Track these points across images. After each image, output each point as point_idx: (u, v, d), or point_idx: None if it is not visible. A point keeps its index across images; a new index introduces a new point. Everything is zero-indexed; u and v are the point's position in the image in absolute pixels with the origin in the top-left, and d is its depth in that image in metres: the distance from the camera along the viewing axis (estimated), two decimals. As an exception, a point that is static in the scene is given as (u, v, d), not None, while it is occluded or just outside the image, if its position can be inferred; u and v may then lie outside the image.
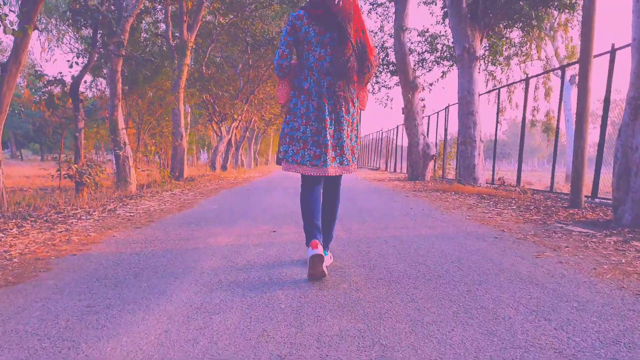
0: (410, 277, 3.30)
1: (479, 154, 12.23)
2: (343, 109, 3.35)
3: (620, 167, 5.91)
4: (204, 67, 22.54)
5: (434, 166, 19.13)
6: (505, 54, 17.60)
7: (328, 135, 3.29)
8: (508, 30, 13.95)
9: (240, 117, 25.80)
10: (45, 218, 5.96)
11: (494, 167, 14.50)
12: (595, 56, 8.47)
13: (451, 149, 19.99)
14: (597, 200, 8.79)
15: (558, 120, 10.95)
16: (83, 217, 5.99)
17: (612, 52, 8.87)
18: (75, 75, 11.92)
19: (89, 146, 20.01)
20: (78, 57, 11.80)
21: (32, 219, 5.84)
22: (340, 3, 3.21)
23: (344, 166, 3.43)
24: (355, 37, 3.28)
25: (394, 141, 29.81)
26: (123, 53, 12.63)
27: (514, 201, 9.19)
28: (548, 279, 3.27)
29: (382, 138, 35.06)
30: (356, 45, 3.29)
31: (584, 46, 8.03)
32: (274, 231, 5.10)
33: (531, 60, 30.18)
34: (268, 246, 4.34)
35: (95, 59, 12.87)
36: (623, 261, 3.86)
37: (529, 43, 22.48)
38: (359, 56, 3.32)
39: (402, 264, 3.69)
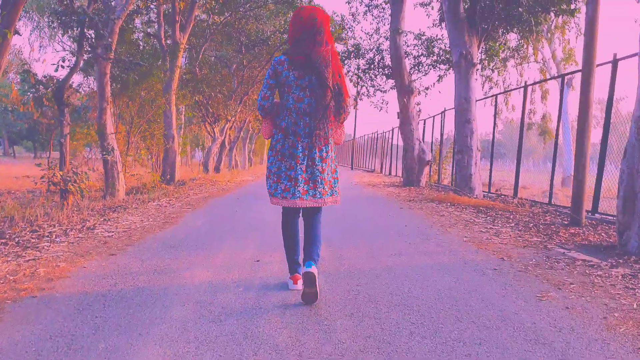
0: (403, 332, 2.97)
1: (476, 163, 11.92)
2: (317, 148, 3.60)
3: (626, 190, 5.59)
4: (197, 68, 22.16)
5: (430, 171, 18.84)
6: (502, 55, 17.35)
7: (299, 171, 3.56)
8: (505, 35, 13.63)
9: (234, 118, 25.43)
10: (17, 239, 5.61)
11: (490, 172, 14.19)
12: (598, 65, 8.15)
13: (447, 153, 19.71)
14: (597, 215, 8.49)
15: (557, 130, 10.63)
16: (57, 239, 5.64)
17: (615, 63, 8.55)
18: (60, 80, 11.57)
19: (80, 146, 19.56)
20: (64, 61, 11.37)
21: (4, 240, 5.49)
22: (319, 50, 3.51)
23: (317, 199, 3.65)
24: (332, 81, 3.55)
25: (390, 142, 29.50)
26: (111, 57, 12.25)
27: (511, 215, 8.87)
28: (555, 335, 2.94)
29: (377, 139, 34.75)
30: (333, 88, 3.57)
31: (587, 58, 7.71)
32: (258, 260, 4.76)
33: (527, 62, 29.95)
34: (248, 284, 4.00)
35: (82, 62, 12.50)
36: (635, 306, 3.54)
37: (525, 45, 22.20)
38: (336, 98, 3.63)
39: (395, 311, 3.36)
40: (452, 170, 17.54)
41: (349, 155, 44.52)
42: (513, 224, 7.77)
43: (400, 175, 24.69)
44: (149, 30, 22.44)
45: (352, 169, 38.50)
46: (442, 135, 18.67)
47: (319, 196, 3.65)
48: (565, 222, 7.98)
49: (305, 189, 3.60)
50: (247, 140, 42.41)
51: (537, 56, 31.65)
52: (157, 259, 4.78)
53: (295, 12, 3.68)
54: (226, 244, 5.61)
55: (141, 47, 20.14)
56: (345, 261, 4.84)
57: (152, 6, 18.88)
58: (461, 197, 11.26)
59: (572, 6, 11.74)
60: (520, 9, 11.28)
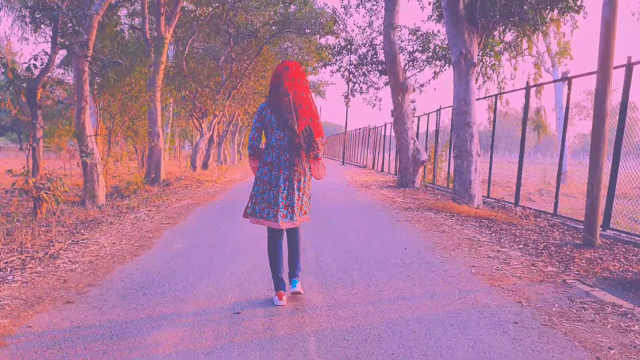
0: None
1: (476, 169, 11.26)
2: (295, 179, 4.30)
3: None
4: (183, 62, 21.32)
5: (424, 171, 18.19)
6: (496, 49, 16.62)
7: (280, 198, 4.27)
8: (506, 33, 12.94)
9: (222, 113, 24.63)
10: (-36, 275, 4.88)
11: (490, 174, 13.54)
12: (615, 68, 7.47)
13: (442, 152, 19.06)
14: (610, 232, 7.85)
15: (564, 136, 9.97)
16: (10, 277, 4.91)
17: (629, 67, 7.89)
18: (32, 78, 10.79)
19: (63, 143, 18.71)
20: (36, 59, 10.56)
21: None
22: (282, 101, 4.23)
23: (293, 221, 4.36)
24: (302, 125, 4.26)
25: (382, 137, 28.81)
26: (88, 54, 11.44)
27: (517, 231, 8.24)
28: None
29: (369, 134, 34.04)
30: (305, 130, 4.27)
31: (603, 63, 7.03)
32: (238, 313, 4.05)
33: (522, 56, 29.28)
34: (224, 355, 3.32)
35: (58, 60, 11.73)
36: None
37: (521, 39, 21.54)
38: (307, 139, 4.28)
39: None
40: (448, 169, 16.90)
41: (340, 150, 43.82)
42: (522, 245, 7.12)
43: (393, 173, 24.05)
44: (133, 22, 21.57)
45: (343, 163, 37.79)
46: (437, 135, 18.00)
47: (295, 219, 4.36)
48: (577, 242, 7.35)
49: (284, 213, 4.31)
50: (237, 133, 41.56)
51: (531, 50, 30.99)
52: (120, 310, 4.07)
53: (276, 66, 4.46)
54: (203, 283, 4.89)
55: (126, 38, 19.27)
56: (340, 309, 4.16)
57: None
58: (461, 207, 10.60)
59: (578, 2, 11.07)
60: (525, 7, 10.57)
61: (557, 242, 7.35)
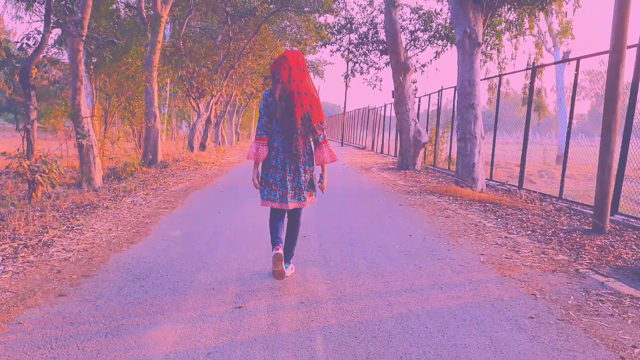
0: None
1: (479, 151, 11.03)
2: (299, 161, 4.42)
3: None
4: (180, 42, 20.92)
5: (425, 153, 17.94)
6: (498, 28, 16.27)
7: (288, 181, 4.42)
8: (512, 11, 12.61)
9: (219, 93, 24.29)
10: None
11: (492, 156, 13.30)
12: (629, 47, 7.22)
13: (443, 133, 18.82)
14: (618, 217, 7.65)
15: (570, 118, 9.72)
16: (0, 267, 4.70)
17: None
18: (26, 59, 10.50)
19: (59, 123, 18.35)
20: (29, 39, 10.25)
21: None
22: (277, 89, 4.34)
23: (301, 202, 4.49)
24: (301, 112, 4.35)
25: (382, 118, 28.49)
26: (83, 34, 11.12)
27: (523, 216, 8.05)
28: None
29: (368, 114, 33.72)
30: (302, 118, 4.37)
31: (616, 43, 6.77)
32: (240, 307, 3.85)
33: (524, 35, 28.91)
34: (225, 356, 3.12)
35: (52, 40, 11.43)
36: None
37: (523, 17, 21.18)
38: (306, 125, 4.39)
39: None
40: (450, 151, 16.68)
41: (339, 131, 43.48)
42: (530, 231, 6.92)
43: (393, 154, 23.80)
44: (129, 1, 21.12)
45: (342, 145, 37.49)
46: (438, 116, 17.73)
47: (302, 199, 4.50)
48: (586, 228, 7.16)
49: (292, 194, 4.45)
50: (234, 114, 41.14)
51: (532, 29, 30.56)
52: (116, 304, 3.86)
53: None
54: (202, 274, 4.68)
55: (123, 17, 18.85)
56: (348, 305, 3.96)
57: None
58: (464, 190, 10.40)
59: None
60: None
61: (565, 227, 7.16)
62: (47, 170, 9.60)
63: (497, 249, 5.92)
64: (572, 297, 4.23)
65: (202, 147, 24.16)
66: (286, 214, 4.65)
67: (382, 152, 27.24)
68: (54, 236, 5.94)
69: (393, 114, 18.70)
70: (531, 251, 5.83)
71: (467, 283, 4.56)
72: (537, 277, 4.82)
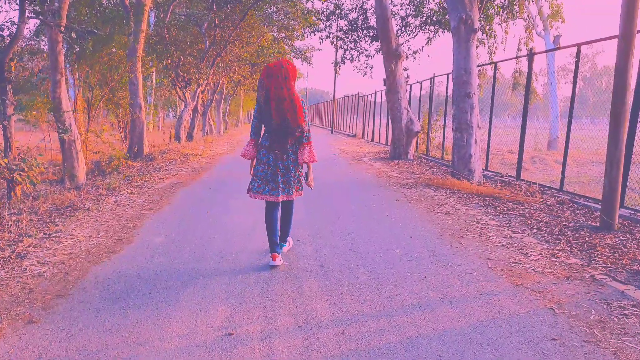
0: None
1: (476, 142, 10.66)
2: (289, 158, 4.95)
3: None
4: (165, 30, 20.31)
5: (417, 141, 17.54)
6: (490, 11, 15.86)
7: (279, 176, 4.93)
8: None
9: (206, 82, 23.72)
10: None
11: (488, 146, 12.94)
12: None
13: (435, 121, 18.45)
14: (625, 212, 7.31)
15: (572, 105, 9.35)
16: (-34, 286, 4.27)
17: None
18: (0, 51, 9.98)
19: (42, 115, 17.73)
20: (2, 30, 9.72)
21: None
22: (262, 95, 4.88)
23: (289, 195, 5.00)
24: (280, 116, 4.80)
25: (372, 105, 28.05)
26: (61, 24, 10.58)
27: (525, 211, 7.72)
28: None
29: (358, 101, 33.27)
30: (283, 122, 4.83)
31: (626, 26, 6.38)
32: (230, 334, 3.45)
33: (514, 19, 28.54)
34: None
35: (30, 30, 10.89)
36: None
37: (514, 2, 20.79)
38: (287, 127, 4.85)
39: None
40: (443, 140, 16.32)
41: (329, 118, 43.01)
42: (535, 229, 6.58)
43: (384, 143, 23.41)
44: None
45: (332, 132, 37.07)
46: (430, 104, 17.34)
47: (291, 193, 5.02)
48: (593, 225, 6.83)
49: (282, 187, 4.96)
50: (222, 102, 40.46)
51: (522, 12, 30.12)
52: (92, 332, 3.45)
53: None
54: (188, 290, 4.27)
55: (105, 5, 18.22)
56: (350, 329, 3.57)
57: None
58: (461, 182, 10.05)
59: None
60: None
61: (571, 224, 6.83)
62: (26, 169, 9.14)
63: (503, 251, 5.57)
64: (593, 312, 3.88)
65: (190, 137, 23.64)
66: (280, 205, 5.18)
67: (372, 140, 26.84)
68: (29, 246, 5.51)
69: (384, 99, 18.29)
70: (540, 254, 5.48)
71: (478, 296, 4.19)
72: (552, 286, 4.47)
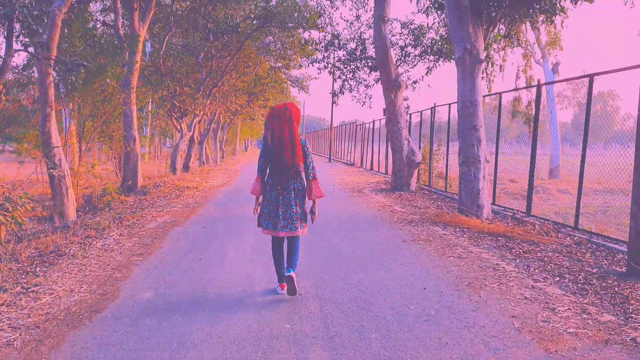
0: None
1: (484, 176, 10.19)
2: (288, 194, 5.23)
3: None
4: (160, 60, 19.97)
5: (418, 172, 17.07)
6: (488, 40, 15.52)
7: (280, 212, 5.21)
8: (514, 25, 11.84)
9: (202, 112, 23.31)
10: None
11: (495, 180, 12.45)
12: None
13: (438, 148, 18.04)
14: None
15: (585, 136, 8.89)
16: None
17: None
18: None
19: (33, 151, 17.27)
20: (-12, 63, 9.30)
21: None
22: (268, 135, 5.27)
23: (293, 231, 5.26)
24: (286, 154, 5.19)
25: (370, 133, 27.68)
26: (51, 56, 10.15)
27: (542, 253, 7.21)
28: None
29: (356, 129, 32.93)
30: (285, 159, 5.19)
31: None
32: None
33: (512, 47, 28.40)
34: None
35: (18, 63, 10.48)
36: None
37: (516, 30, 20.56)
38: (289, 165, 5.21)
39: None
40: (446, 171, 15.84)
41: (326, 146, 42.67)
42: (557, 277, 6.06)
43: (384, 172, 22.96)
44: (105, 19, 20.18)
45: (329, 160, 36.65)
46: (432, 133, 16.93)
47: (294, 229, 5.23)
48: (618, 270, 6.31)
49: (283, 224, 5.20)
50: (219, 130, 40.07)
51: (520, 40, 29.98)
52: None
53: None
54: (179, 362, 3.74)
55: (99, 36, 17.86)
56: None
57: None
58: (470, 220, 9.54)
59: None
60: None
61: (595, 270, 6.31)
62: (11, 208, 8.61)
63: (528, 306, 5.04)
64: (646, 390, 3.35)
65: (186, 168, 23.16)
66: (284, 240, 5.43)
67: (371, 169, 26.41)
68: (2, 304, 4.96)
69: (382, 125, 17.84)
70: (569, 308, 4.95)
71: (510, 369, 3.66)
72: (590, 352, 3.94)
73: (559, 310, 4.90)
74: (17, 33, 10.36)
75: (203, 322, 4.58)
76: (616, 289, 5.54)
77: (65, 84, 13.66)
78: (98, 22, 19.50)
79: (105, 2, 19.75)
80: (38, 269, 6.35)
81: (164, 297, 5.30)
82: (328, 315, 4.75)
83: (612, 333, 4.33)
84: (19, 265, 6.54)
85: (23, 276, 6.00)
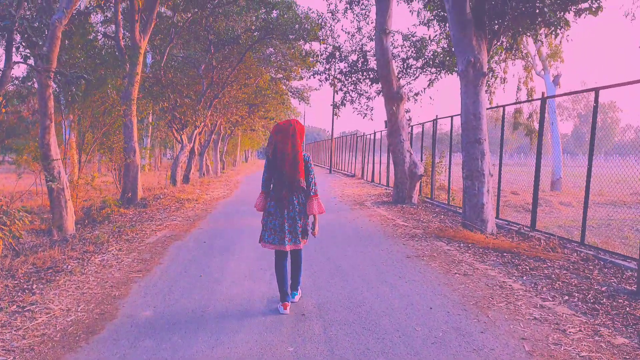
0: None
1: (488, 190, 10.06)
2: (293, 209, 5.29)
3: None
4: (161, 72, 19.90)
5: (420, 185, 16.95)
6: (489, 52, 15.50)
7: (285, 226, 5.25)
8: (517, 37, 11.75)
9: (203, 124, 23.23)
10: None
11: (498, 194, 12.32)
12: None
13: (440, 160, 17.95)
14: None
15: (591, 152, 8.78)
16: None
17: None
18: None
19: (33, 164, 17.17)
20: (-13, 75, 9.20)
21: None
22: (271, 151, 5.33)
23: (297, 245, 5.32)
24: (287, 170, 5.24)
25: (371, 144, 27.59)
26: (51, 68, 10.06)
27: (548, 269, 7.08)
28: None
29: (357, 141, 32.84)
30: (286, 175, 5.25)
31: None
32: None
33: (512, 59, 28.38)
34: None
35: (12, 76, 10.44)
36: None
37: (518, 43, 20.53)
38: (290, 180, 5.26)
39: None
40: (449, 183, 15.72)
41: (327, 157, 42.58)
42: (566, 295, 5.92)
43: (385, 184, 22.85)
44: (106, 30, 20.13)
45: (330, 172, 36.53)
46: (434, 146, 16.82)
47: (298, 242, 5.31)
48: (628, 288, 6.17)
49: (289, 237, 5.28)
50: (220, 141, 40.01)
51: (521, 52, 29.99)
52: None
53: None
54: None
55: (100, 48, 17.79)
56: None
57: (108, 4, 16.72)
58: (474, 235, 9.40)
59: (595, 5, 9.97)
60: (545, 8, 9.39)
61: (604, 289, 6.17)
62: (9, 222, 8.49)
63: (538, 327, 4.89)
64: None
65: (186, 179, 23.03)
66: (289, 254, 5.46)
67: (372, 180, 26.29)
68: (-6, 327, 4.81)
69: (383, 136, 17.70)
70: (580, 330, 4.81)
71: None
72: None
73: (570, 332, 4.76)
74: (17, 45, 10.29)
75: (203, 344, 4.44)
76: (627, 309, 5.40)
77: (65, 95, 13.60)
78: (99, 34, 19.43)
79: (106, 13, 19.68)
80: (35, 286, 6.21)
81: (163, 316, 5.16)
82: (332, 337, 4.60)
83: (627, 357, 4.19)
84: (15, 282, 6.40)
85: (19, 294, 5.86)
